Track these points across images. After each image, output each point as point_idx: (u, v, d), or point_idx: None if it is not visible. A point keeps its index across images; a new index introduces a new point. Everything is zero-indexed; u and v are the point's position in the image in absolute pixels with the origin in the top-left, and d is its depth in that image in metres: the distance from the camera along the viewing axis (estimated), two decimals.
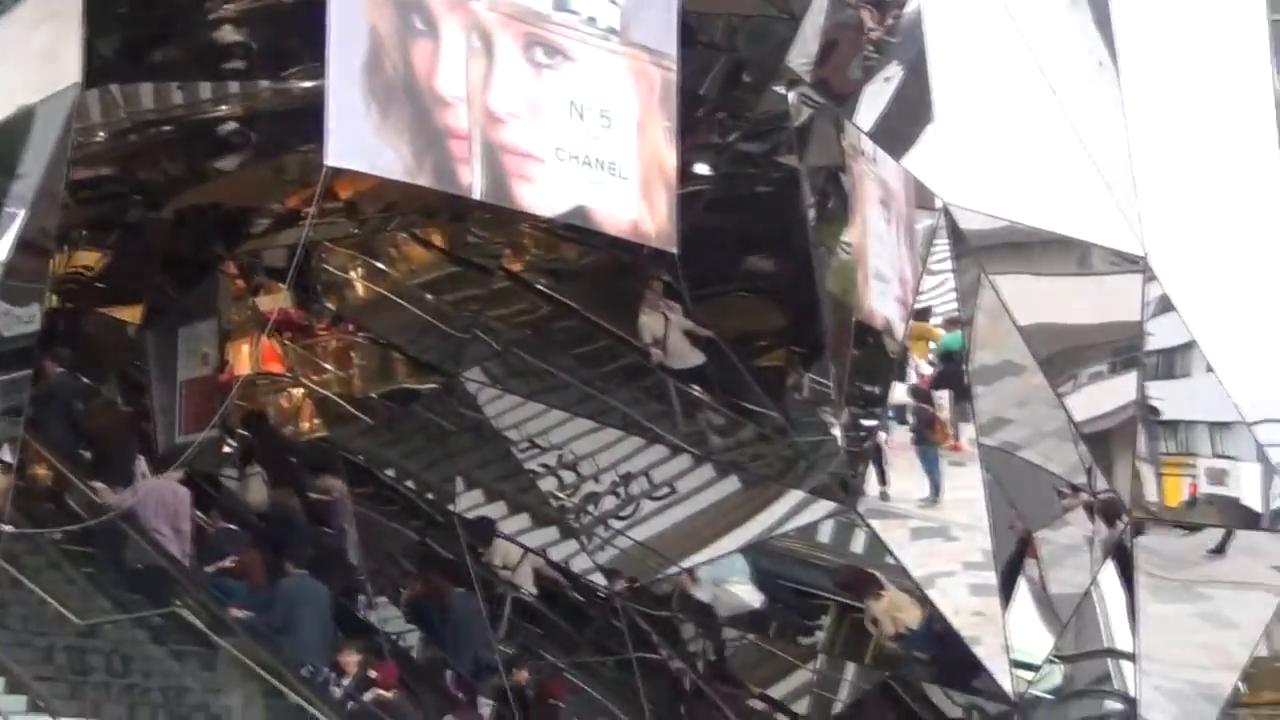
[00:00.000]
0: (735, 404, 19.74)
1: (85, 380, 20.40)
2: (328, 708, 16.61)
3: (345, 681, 17.39)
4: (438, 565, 20.73)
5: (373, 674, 17.57)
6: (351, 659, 17.55)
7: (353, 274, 22.00)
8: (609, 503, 20.32)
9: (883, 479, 19.27)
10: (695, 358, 19.43)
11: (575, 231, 17.15)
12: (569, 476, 20.46)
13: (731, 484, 19.90)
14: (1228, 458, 21.30)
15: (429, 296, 20.74)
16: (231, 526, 19.30)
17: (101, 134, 19.09)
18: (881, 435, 19.35)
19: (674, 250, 16.25)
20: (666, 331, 19.16)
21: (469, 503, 20.92)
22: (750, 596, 20.32)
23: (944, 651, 19.63)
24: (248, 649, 16.83)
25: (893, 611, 19.59)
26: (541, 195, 15.55)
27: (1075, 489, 20.11)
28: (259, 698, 16.66)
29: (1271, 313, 20.97)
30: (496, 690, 19.49)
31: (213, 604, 17.28)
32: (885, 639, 19.75)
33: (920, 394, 19.90)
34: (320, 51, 14.16)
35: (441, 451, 21.33)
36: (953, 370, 19.46)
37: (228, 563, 18.05)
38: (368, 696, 17.35)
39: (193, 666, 16.94)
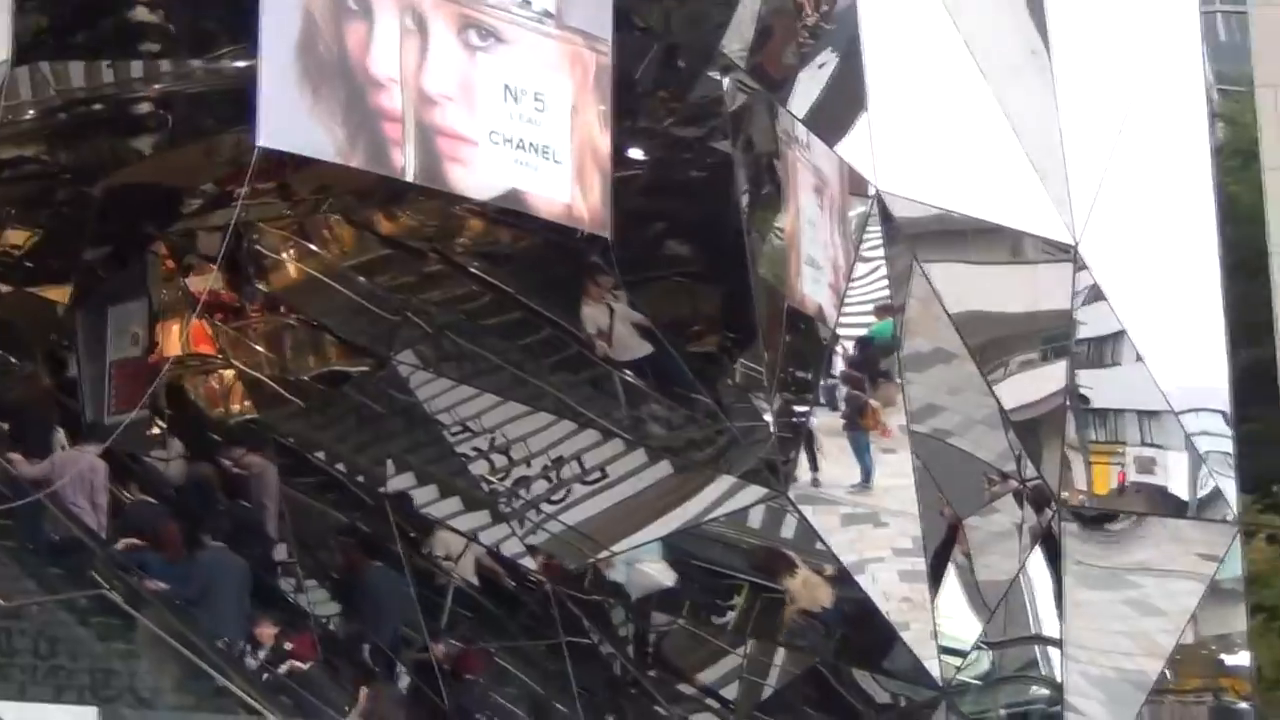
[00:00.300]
0: (668, 389, 19.75)
1: (10, 358, 20.26)
2: (243, 680, 16.54)
3: (261, 653, 17.39)
4: (356, 539, 20.67)
5: (289, 646, 17.58)
6: (267, 631, 17.50)
7: (285, 255, 21.85)
8: (540, 487, 20.28)
9: (814, 465, 19.31)
10: (641, 348, 19.40)
11: (509, 215, 17.09)
12: (500, 460, 20.40)
13: (663, 469, 19.88)
14: (1156, 446, 21.47)
15: (361, 279, 20.62)
16: (149, 499, 19.19)
17: (31, 112, 18.90)
18: (813, 421, 19.40)
19: (607, 234, 16.24)
20: (612, 323, 19.12)
21: (400, 486, 20.85)
22: (663, 576, 20.32)
23: (855, 631, 19.73)
24: (164, 622, 16.75)
25: (806, 590, 19.65)
26: (475, 178, 15.53)
27: (1005, 476, 20.24)
28: (176, 671, 16.56)
29: (1200, 302, 21.15)
30: (414, 664, 19.54)
31: (129, 577, 17.17)
32: (794, 614, 19.81)
33: (852, 380, 19.97)
34: (253, 31, 14.08)
35: (373, 434, 21.24)
36: (870, 355, 19.57)
37: (134, 540, 17.93)
38: (283, 668, 17.32)
39: (120, 649, 16.81)
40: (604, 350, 19.27)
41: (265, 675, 17.10)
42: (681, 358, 19.15)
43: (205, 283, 20.88)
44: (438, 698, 18.80)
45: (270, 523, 20.24)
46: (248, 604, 17.88)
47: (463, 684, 19.26)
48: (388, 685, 18.79)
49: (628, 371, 19.57)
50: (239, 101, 15.12)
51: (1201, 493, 21.44)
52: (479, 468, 20.49)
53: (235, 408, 22.79)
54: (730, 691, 20.69)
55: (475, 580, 21.09)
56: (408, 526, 20.63)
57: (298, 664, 17.34)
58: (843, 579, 19.30)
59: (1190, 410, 21.19)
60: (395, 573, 19.88)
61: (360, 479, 21.37)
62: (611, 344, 19.23)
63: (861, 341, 19.76)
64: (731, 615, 20.57)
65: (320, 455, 21.72)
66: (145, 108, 19.85)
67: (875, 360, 19.84)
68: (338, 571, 20.55)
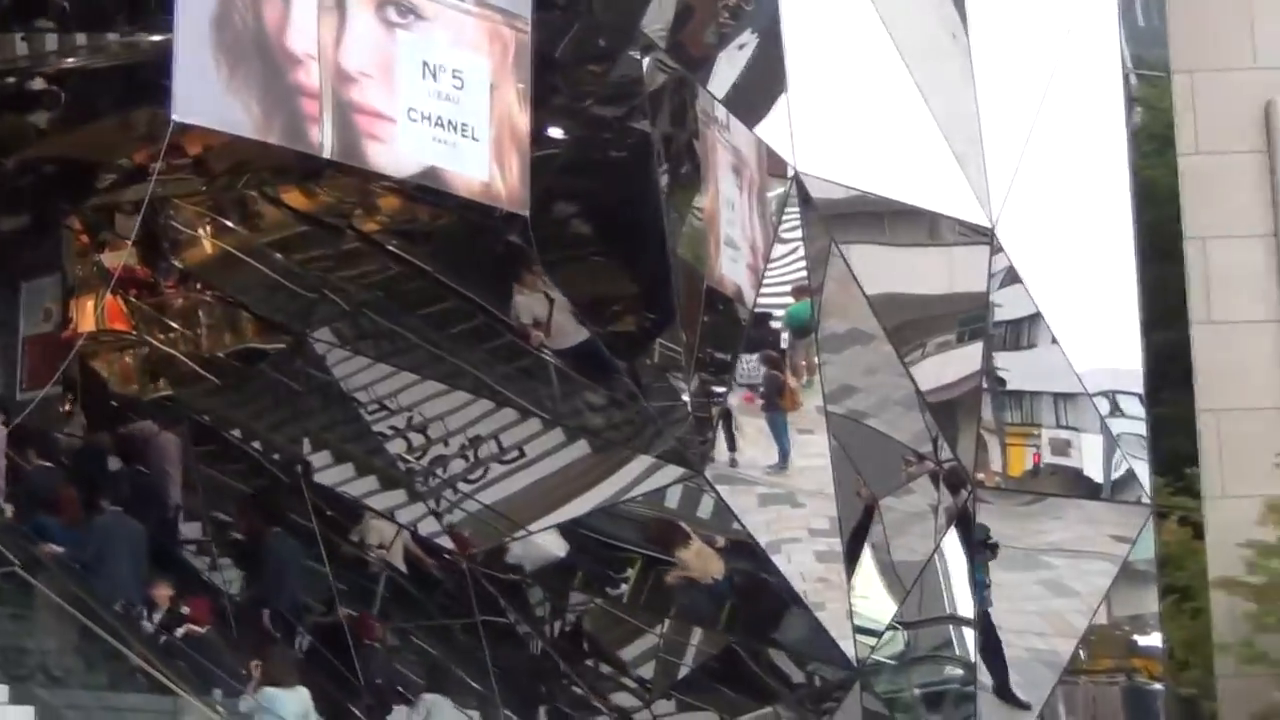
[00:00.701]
0: (586, 369, 19.73)
1: None
2: (139, 642, 16.48)
3: (156, 616, 17.30)
4: (256, 504, 20.65)
5: (185, 610, 17.52)
6: (163, 593, 17.53)
7: (201, 231, 21.68)
8: (458, 465, 20.24)
9: (732, 445, 19.35)
10: (580, 335, 19.35)
11: (427, 193, 17.01)
12: (418, 439, 20.34)
13: (581, 448, 19.87)
14: (1071, 428, 21.63)
15: (278, 256, 20.48)
16: (46, 464, 19.11)
17: None
18: (731, 401, 19.43)
19: (526, 213, 16.21)
20: (551, 311, 19.05)
21: (316, 464, 20.76)
22: (556, 548, 20.32)
23: (744, 603, 19.81)
24: (61, 586, 16.70)
25: (699, 562, 19.70)
26: (393, 156, 15.47)
27: (921, 457, 20.33)
28: (74, 635, 16.51)
29: (1115, 286, 21.31)
30: (313, 630, 19.55)
31: (26, 543, 17.10)
32: (685, 585, 19.87)
33: (771, 361, 20.01)
34: (169, 5, 13.95)
35: (289, 412, 21.14)
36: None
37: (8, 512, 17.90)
38: (179, 632, 17.27)
39: (29, 626, 16.73)
40: (539, 339, 19.21)
41: (163, 638, 17.06)
42: (600, 337, 19.14)
43: (120, 258, 20.70)
44: (337, 662, 18.84)
45: (173, 489, 20.16)
46: (145, 568, 17.85)
47: (362, 649, 19.38)
48: (287, 650, 18.76)
49: (550, 352, 19.55)
50: (155, 76, 14.99)
51: (1115, 475, 21.61)
52: (396, 446, 20.42)
53: (150, 384, 22.62)
54: (647, 671, 20.72)
55: (404, 568, 21.04)
56: (322, 503, 20.55)
57: (194, 628, 17.38)
58: (738, 550, 19.40)
59: (1105, 393, 21.36)
60: (295, 540, 19.87)
61: (276, 456, 21.28)
62: (549, 333, 19.18)
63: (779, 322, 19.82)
64: (625, 588, 20.60)
65: (236, 433, 21.62)
66: (58, 82, 19.65)
67: (793, 341, 19.92)
68: (240, 535, 20.53)
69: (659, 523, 19.65)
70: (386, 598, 21.17)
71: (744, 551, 19.43)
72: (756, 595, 19.60)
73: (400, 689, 19.83)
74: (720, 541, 19.51)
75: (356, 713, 19.35)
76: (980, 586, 20.53)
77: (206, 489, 21.07)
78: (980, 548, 20.66)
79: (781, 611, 19.62)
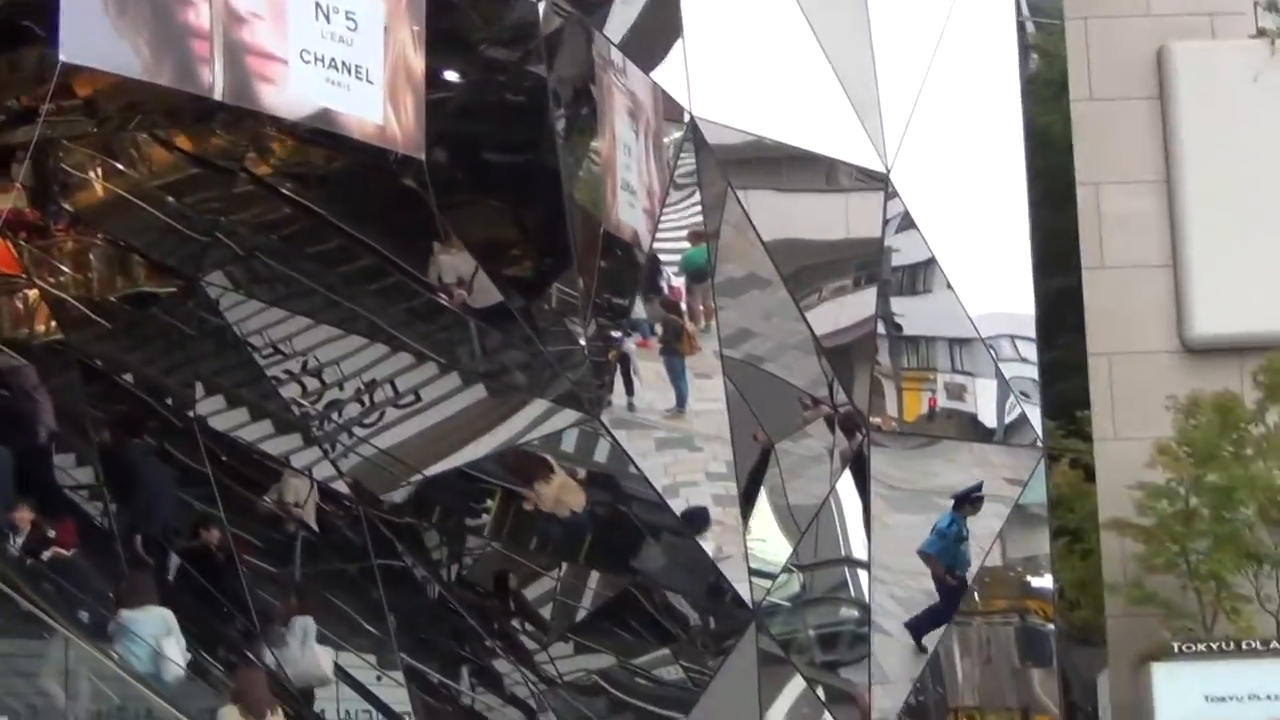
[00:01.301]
0: (483, 314, 19.68)
1: None
2: (3, 563, 16.42)
3: (18, 539, 17.25)
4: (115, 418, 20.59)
5: (51, 534, 17.46)
6: (24, 516, 17.44)
7: (91, 174, 21.38)
8: (353, 410, 20.16)
9: (630, 389, 19.39)
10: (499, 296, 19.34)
11: (320, 135, 16.85)
12: (312, 383, 20.24)
13: (478, 393, 19.85)
14: (966, 373, 21.80)
15: (170, 199, 20.22)
16: None
17: None
18: (629, 345, 19.46)
19: (421, 156, 16.11)
20: (477, 271, 18.96)
21: (209, 408, 20.61)
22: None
23: (607, 534, 19.92)
24: None
25: (560, 495, 19.79)
26: (285, 98, 15.30)
27: (816, 401, 20.44)
28: None
29: (1009, 231, 21.46)
30: (184, 552, 19.63)
31: None
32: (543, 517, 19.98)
33: (668, 305, 20.04)
34: None
35: (182, 356, 20.95)
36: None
37: None
38: (45, 555, 17.20)
39: None
40: (462, 299, 19.12)
41: (28, 561, 17.02)
42: (497, 282, 19.09)
43: (8, 201, 20.39)
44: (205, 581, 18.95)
45: (43, 416, 19.97)
46: (10, 492, 17.73)
47: (233, 569, 19.72)
48: (157, 573, 18.73)
49: (443, 296, 19.48)
50: (43, 15, 14.74)
51: (1008, 418, 21.81)
52: (290, 391, 20.30)
53: (40, 329, 22.34)
54: (544, 614, 20.79)
55: (316, 527, 21.00)
56: (216, 448, 20.43)
57: (60, 551, 17.30)
58: (597, 482, 19.51)
59: (998, 337, 21.55)
60: (162, 462, 19.79)
61: (169, 401, 21.11)
62: (472, 291, 19.10)
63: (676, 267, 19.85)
64: (486, 519, 20.64)
65: (128, 378, 21.41)
66: None
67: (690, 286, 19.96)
68: (100, 451, 20.42)
69: (517, 454, 19.68)
70: (281, 542, 21.15)
71: (603, 484, 19.56)
72: (615, 528, 19.70)
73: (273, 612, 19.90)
74: (581, 474, 19.59)
75: (230, 635, 19.45)
76: (958, 540, 20.71)
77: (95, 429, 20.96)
78: (964, 502, 20.82)
79: (639, 544, 19.78)
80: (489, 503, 20.50)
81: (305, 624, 19.10)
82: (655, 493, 19.33)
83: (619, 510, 19.92)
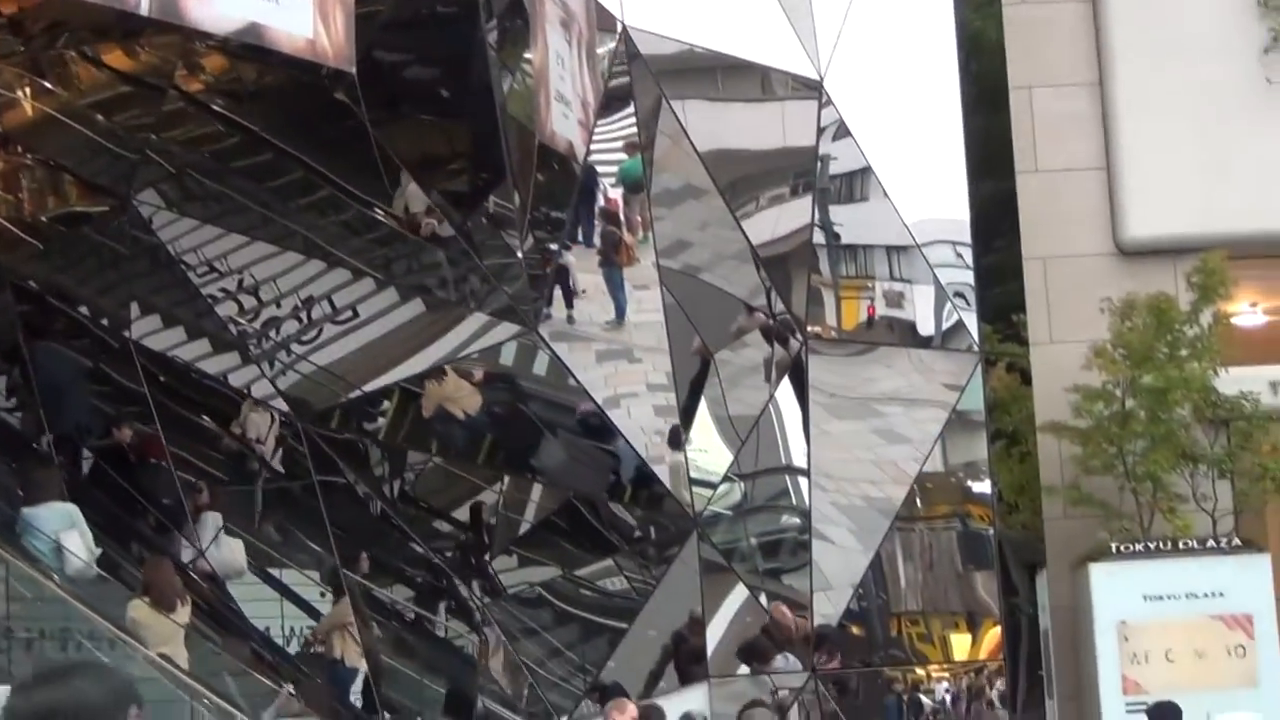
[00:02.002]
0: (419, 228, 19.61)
1: None
2: None
3: None
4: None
5: None
6: None
7: (20, 93, 21.10)
8: (291, 327, 20.09)
9: (569, 302, 19.38)
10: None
11: (250, 50, 16.70)
12: (249, 301, 20.14)
13: (415, 307, 19.81)
14: (904, 280, 21.84)
15: (100, 117, 20.01)
16: None
17: None
18: (567, 258, 19.42)
19: (352, 70, 16.00)
20: None
21: (145, 328, 20.49)
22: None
23: (503, 433, 20.02)
24: None
25: (453, 396, 19.84)
26: (213, 12, 15.20)
27: (754, 311, 20.47)
28: None
29: (943, 137, 21.45)
30: (96, 450, 19.71)
31: None
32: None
33: (606, 217, 20.01)
34: None
35: (116, 276, 20.81)
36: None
37: None
38: None
39: None
40: (431, 228, 19.01)
41: None
42: (432, 196, 19.01)
43: None
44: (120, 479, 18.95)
45: None
46: None
47: (147, 466, 19.70)
48: (68, 472, 18.69)
49: (379, 210, 19.39)
50: None
51: (945, 324, 21.88)
52: (227, 309, 20.20)
53: None
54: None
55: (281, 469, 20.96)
56: (153, 368, 20.33)
57: None
58: (494, 383, 19.58)
59: (935, 243, 21.57)
60: (72, 355, 19.75)
61: (104, 322, 20.97)
62: (441, 220, 19.00)
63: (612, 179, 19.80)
64: (383, 422, 20.66)
65: (62, 299, 21.26)
66: None
67: (627, 197, 19.92)
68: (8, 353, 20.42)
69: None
70: (226, 463, 21.13)
71: (500, 383, 19.59)
72: (513, 425, 19.73)
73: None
74: (478, 375, 19.60)
75: (142, 532, 19.48)
76: None
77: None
78: None
79: (538, 442, 19.85)
80: (385, 404, 20.50)
81: (215, 519, 19.40)
82: (595, 404, 19.38)
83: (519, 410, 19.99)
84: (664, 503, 19.79)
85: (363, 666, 19.51)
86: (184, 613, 16.14)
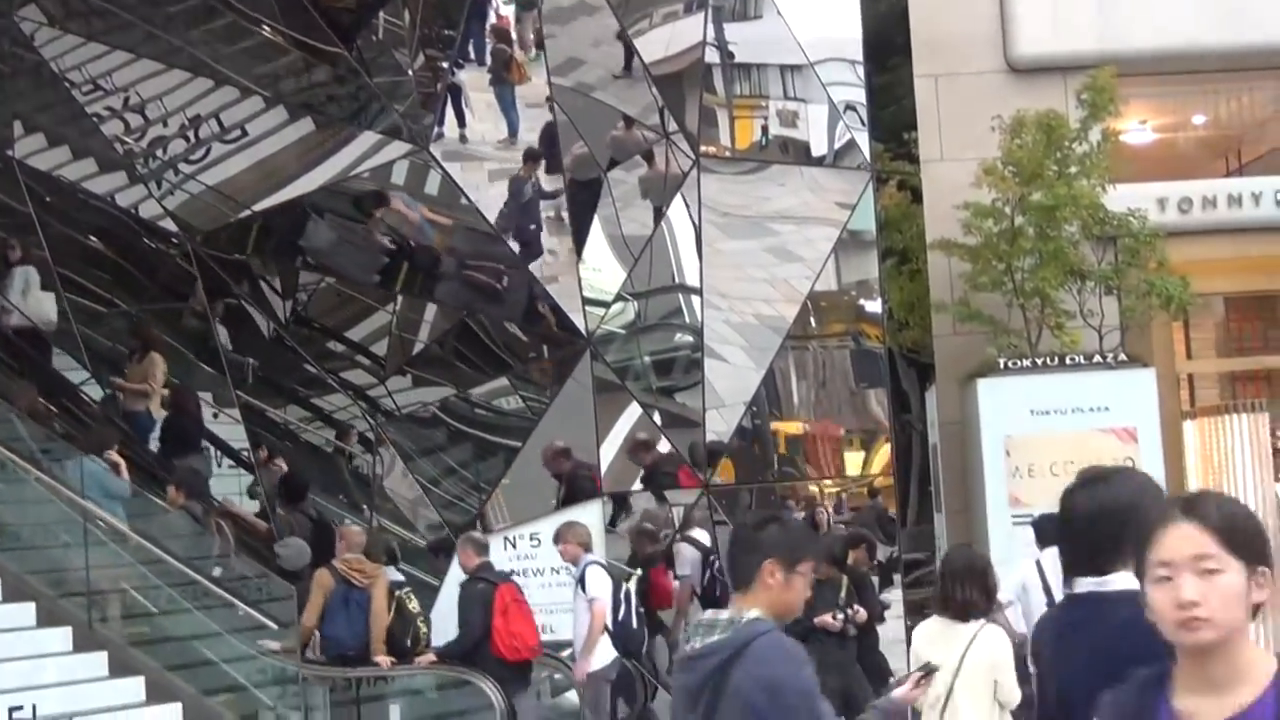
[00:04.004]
0: (308, 45, 19.34)
1: None
2: None
3: None
4: None
5: None
6: None
7: None
8: (178, 146, 19.83)
9: (461, 120, 19.24)
10: None
11: None
12: (135, 120, 19.85)
13: (305, 126, 19.60)
14: (798, 99, 21.77)
15: None
16: None
17: None
18: (460, 76, 19.25)
19: None
20: None
21: (29, 148, 20.17)
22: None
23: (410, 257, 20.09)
24: None
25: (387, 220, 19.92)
26: None
27: (647, 129, 20.38)
28: None
29: None
30: None
31: None
32: None
33: (499, 34, 19.81)
34: None
35: None
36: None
37: None
38: None
39: None
40: None
41: None
42: (319, 14, 18.74)
43: None
44: None
45: None
46: None
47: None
48: None
49: (266, 28, 19.10)
50: None
51: (838, 143, 21.87)
52: (113, 128, 19.90)
53: None
54: (380, 348, 20.82)
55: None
56: (38, 187, 20.06)
57: None
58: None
59: (827, 60, 21.49)
60: None
61: None
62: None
63: None
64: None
65: None
66: None
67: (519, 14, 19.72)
68: None
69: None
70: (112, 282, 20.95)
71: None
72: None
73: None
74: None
75: None
76: None
77: None
78: None
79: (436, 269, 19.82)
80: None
81: (26, 272, 19.49)
82: (488, 224, 19.34)
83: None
84: (558, 321, 19.81)
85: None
86: None
